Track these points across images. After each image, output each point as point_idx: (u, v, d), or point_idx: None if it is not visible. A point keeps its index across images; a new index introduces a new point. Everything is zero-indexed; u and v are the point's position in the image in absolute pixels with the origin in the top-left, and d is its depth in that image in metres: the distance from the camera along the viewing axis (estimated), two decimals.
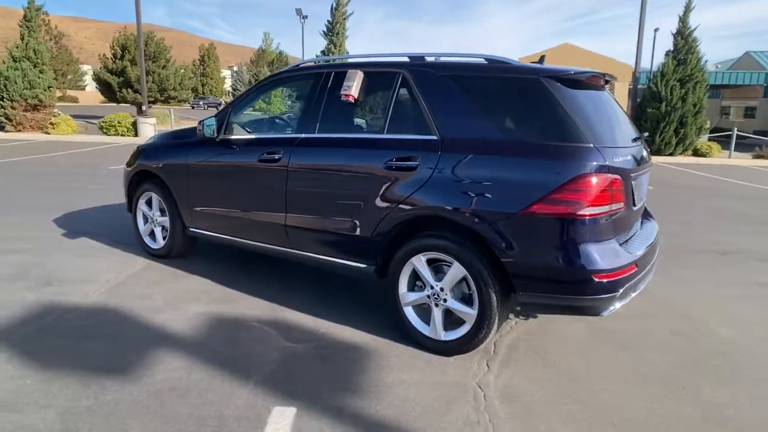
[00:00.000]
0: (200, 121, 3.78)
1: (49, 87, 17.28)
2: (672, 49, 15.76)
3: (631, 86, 17.56)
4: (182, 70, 29.72)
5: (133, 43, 26.16)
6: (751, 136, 18.55)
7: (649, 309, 3.62)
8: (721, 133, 17.55)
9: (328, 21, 17.04)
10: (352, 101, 3.15)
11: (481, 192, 2.62)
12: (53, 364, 2.64)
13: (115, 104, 29.39)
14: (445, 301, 2.81)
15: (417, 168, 2.80)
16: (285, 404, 2.37)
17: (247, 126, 3.94)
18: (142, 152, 4.50)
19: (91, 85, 72.75)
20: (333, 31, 16.89)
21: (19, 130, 16.72)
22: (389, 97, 3.05)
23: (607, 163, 2.48)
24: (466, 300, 2.79)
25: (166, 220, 4.27)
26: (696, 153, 15.92)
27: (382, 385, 2.57)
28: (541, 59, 3.13)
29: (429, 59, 3.06)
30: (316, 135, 3.29)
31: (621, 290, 2.51)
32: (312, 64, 3.61)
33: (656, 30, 32.56)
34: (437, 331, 2.85)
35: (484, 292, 2.64)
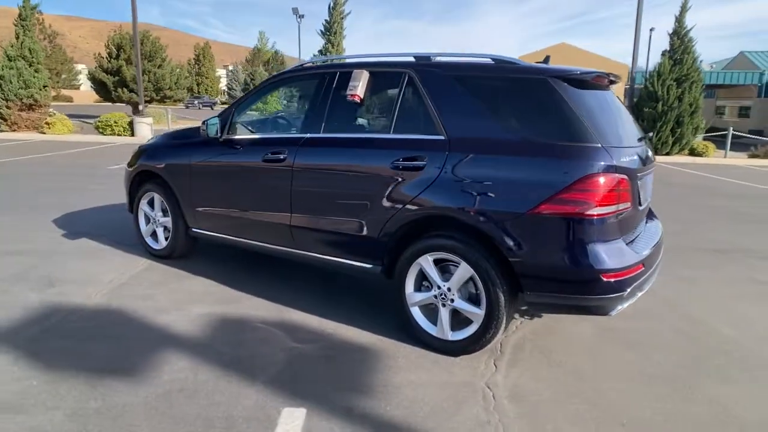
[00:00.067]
0: (204, 121, 3.76)
1: (44, 86, 17.14)
2: (668, 48, 15.83)
3: (627, 86, 17.62)
4: (178, 70, 29.57)
5: (129, 42, 26.05)
6: (745, 135, 18.66)
7: (652, 308, 3.63)
8: (716, 133, 17.64)
9: (325, 20, 17.00)
10: (358, 101, 3.14)
11: (488, 192, 2.62)
12: (59, 366, 2.62)
13: (110, 104, 29.18)
14: (452, 301, 2.81)
15: (424, 168, 2.80)
16: (294, 405, 2.36)
17: (250, 126, 3.92)
18: (143, 152, 4.48)
19: (85, 85, 72.25)
20: (331, 31, 16.85)
21: (14, 130, 16.59)
22: (395, 97, 3.04)
23: (614, 162, 2.49)
24: (473, 300, 2.80)
25: (168, 221, 4.25)
26: (692, 152, 16.00)
27: (391, 385, 2.57)
28: (546, 59, 3.13)
29: (435, 59, 3.06)
30: (321, 135, 3.28)
31: (628, 290, 2.52)
32: (317, 63, 3.59)
33: (652, 30, 32.71)
34: (444, 331, 2.85)
35: (492, 292, 2.64)
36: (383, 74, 3.19)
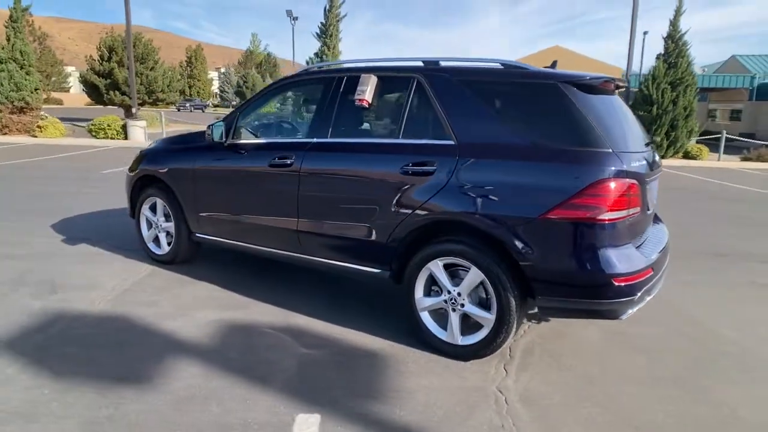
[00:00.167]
0: (209, 126, 3.74)
1: (36, 89, 17.00)
2: (663, 52, 15.98)
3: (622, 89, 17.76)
4: (170, 72, 29.42)
5: (121, 45, 25.89)
6: (738, 138, 18.89)
7: (658, 312, 3.66)
8: (708, 136, 17.84)
9: (321, 23, 16.99)
10: (366, 106, 3.14)
11: (500, 197, 2.63)
12: (67, 374, 2.60)
13: (101, 107, 29.01)
14: (462, 306, 2.81)
15: (434, 173, 2.81)
16: (308, 411, 2.36)
17: (254, 130, 3.91)
18: (145, 157, 4.45)
19: (75, 87, 71.70)
20: (326, 33, 16.85)
21: (5, 133, 16.42)
22: (404, 102, 3.05)
23: (625, 167, 2.51)
24: (483, 304, 2.80)
25: (171, 226, 4.22)
26: (686, 156, 16.18)
27: (403, 390, 2.57)
28: (553, 64, 3.16)
29: (443, 64, 3.07)
30: (329, 140, 3.28)
31: (639, 294, 2.54)
32: (323, 68, 3.59)
33: (645, 33, 33.06)
34: (454, 335, 2.85)
35: (503, 297, 2.65)
36: (391, 79, 3.19)
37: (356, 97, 3.14)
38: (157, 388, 2.50)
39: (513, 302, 2.65)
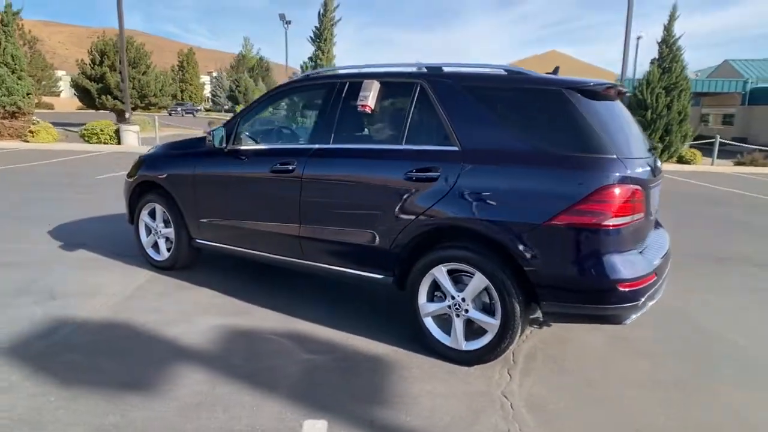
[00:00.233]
0: (210, 131, 3.75)
1: (28, 94, 16.85)
2: (657, 57, 16.13)
3: None
4: (162, 76, 29.33)
5: (112, 49, 25.79)
6: (731, 142, 19.10)
7: (659, 316, 3.69)
8: (702, 141, 18.03)
9: (315, 27, 17.02)
10: (369, 112, 3.16)
11: (504, 203, 2.66)
12: (72, 381, 2.58)
13: (93, 111, 28.83)
14: (466, 311, 2.83)
15: (438, 179, 2.83)
16: (315, 417, 2.36)
17: (255, 136, 3.91)
18: (144, 163, 4.44)
19: (66, 92, 71.18)
20: (321, 38, 16.88)
21: None
22: (407, 108, 3.07)
23: (629, 173, 2.55)
24: (487, 310, 2.82)
25: (170, 232, 4.21)
26: (680, 160, 16.33)
27: (408, 395, 2.58)
28: (556, 70, 3.19)
29: (447, 69, 3.09)
30: (331, 145, 3.29)
31: (643, 299, 2.57)
32: (325, 73, 3.61)
33: (639, 38, 33.45)
34: (458, 341, 2.87)
35: (508, 302, 2.67)
36: (394, 85, 3.21)
37: (359, 102, 3.16)
38: (163, 394, 2.50)
39: (517, 308, 2.68)
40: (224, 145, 3.72)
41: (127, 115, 16.76)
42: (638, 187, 2.58)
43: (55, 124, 18.91)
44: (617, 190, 2.49)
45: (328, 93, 3.41)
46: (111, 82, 25.47)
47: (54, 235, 5.36)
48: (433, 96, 2.98)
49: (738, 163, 16.90)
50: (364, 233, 3.10)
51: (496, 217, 2.67)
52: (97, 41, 26.49)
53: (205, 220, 3.92)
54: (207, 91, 74.94)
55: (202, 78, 72.81)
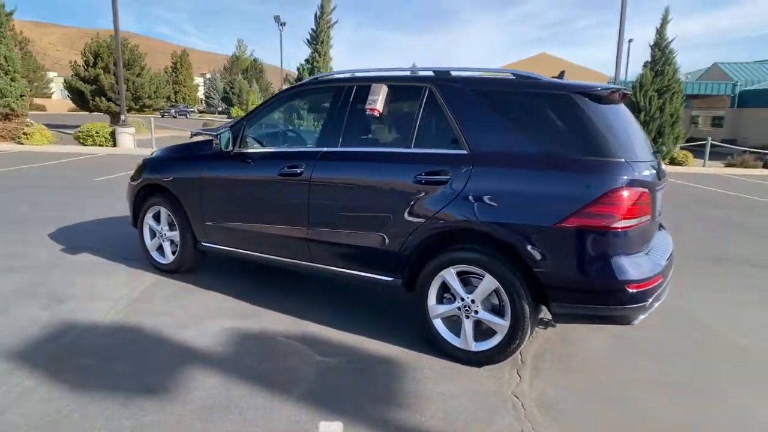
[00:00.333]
0: (217, 134, 3.76)
1: (21, 95, 16.73)
2: (650, 60, 16.32)
3: None
4: (157, 78, 29.22)
5: (106, 50, 25.68)
6: (721, 144, 19.33)
7: (661, 316, 3.74)
8: (693, 143, 18.23)
9: (312, 29, 17.02)
10: (377, 115, 3.19)
11: (514, 206, 2.69)
12: (85, 385, 2.58)
13: (86, 113, 28.67)
14: (476, 312, 2.86)
15: (447, 182, 2.86)
16: (330, 419, 2.38)
17: (260, 139, 3.93)
18: (147, 166, 4.43)
19: (57, 93, 70.73)
20: (317, 40, 16.89)
21: None
22: (415, 112, 3.10)
23: (636, 176, 2.59)
24: (496, 311, 2.86)
25: (175, 235, 4.21)
26: (672, 162, 16.51)
27: (421, 396, 2.60)
28: (561, 74, 3.24)
29: (455, 73, 3.13)
30: (339, 149, 3.31)
31: (650, 300, 2.62)
32: (332, 77, 3.63)
33: (630, 41, 33.78)
34: (468, 342, 2.90)
35: (518, 304, 2.71)
36: (403, 88, 3.25)
37: (367, 106, 3.18)
38: (178, 397, 2.51)
39: (527, 309, 2.71)
40: (231, 148, 3.73)
41: (122, 117, 16.68)
42: (645, 190, 2.62)
43: (48, 126, 18.78)
44: (626, 193, 2.53)
45: (336, 96, 3.43)
46: (105, 83, 25.34)
47: (56, 238, 5.34)
48: (442, 100, 3.01)
49: (729, 165, 17.10)
50: (373, 236, 3.13)
51: (506, 220, 2.70)
52: (90, 43, 26.36)
53: (211, 223, 3.92)
54: (200, 92, 74.64)
55: (195, 80, 72.54)
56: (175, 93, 62.08)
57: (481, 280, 2.83)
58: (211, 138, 3.92)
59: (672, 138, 16.01)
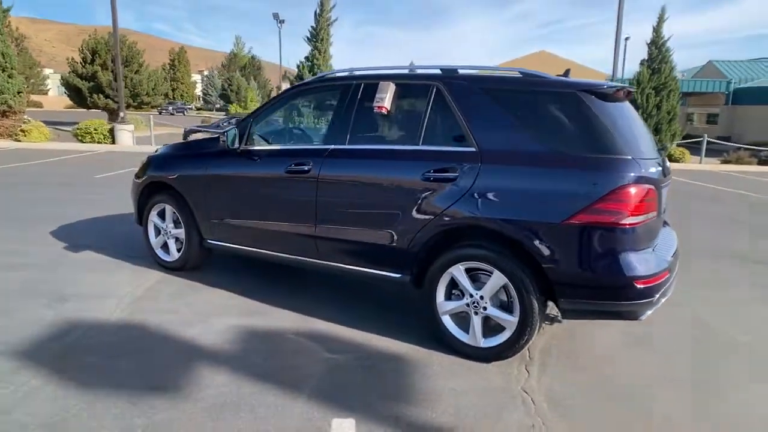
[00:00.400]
0: (223, 131, 3.75)
1: (18, 92, 16.67)
2: (647, 58, 16.39)
3: None
4: (155, 75, 29.10)
5: (104, 47, 25.56)
6: (717, 141, 19.42)
7: (664, 312, 3.75)
8: (689, 140, 18.31)
9: (311, 27, 16.96)
10: (385, 113, 3.19)
11: (522, 203, 2.70)
12: (93, 384, 2.58)
13: (83, 110, 28.56)
14: (485, 309, 2.87)
15: (456, 179, 2.86)
16: (342, 416, 2.38)
17: (266, 136, 3.92)
18: (152, 163, 4.42)
19: (54, 90, 70.39)
20: (317, 37, 16.84)
21: None
22: (423, 109, 3.10)
23: (643, 173, 2.60)
24: (505, 307, 2.87)
25: (180, 232, 4.20)
26: (669, 159, 16.56)
27: (432, 392, 2.61)
28: (566, 73, 3.24)
29: (462, 71, 3.13)
30: (347, 146, 3.31)
31: (657, 295, 2.63)
32: (339, 75, 3.62)
33: (627, 39, 33.82)
34: (477, 338, 2.91)
35: (527, 300, 2.72)
36: (410, 86, 3.25)
37: (375, 104, 3.18)
38: (188, 395, 2.50)
39: (536, 305, 2.72)
40: (237, 145, 3.73)
41: (121, 114, 16.61)
42: (652, 187, 2.64)
43: (45, 122, 18.67)
44: (633, 190, 2.54)
45: (343, 94, 3.43)
46: (103, 80, 25.22)
47: (58, 235, 5.33)
48: (450, 97, 3.01)
49: (725, 162, 17.20)
50: (381, 233, 3.13)
51: (515, 217, 2.71)
52: (88, 39, 26.22)
53: (217, 221, 3.92)
54: (198, 89, 74.42)
55: (193, 77, 72.33)
56: (173, 90, 61.91)
57: (490, 276, 2.84)
58: (217, 135, 3.90)
59: (669, 135, 16.08)
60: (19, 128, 16.32)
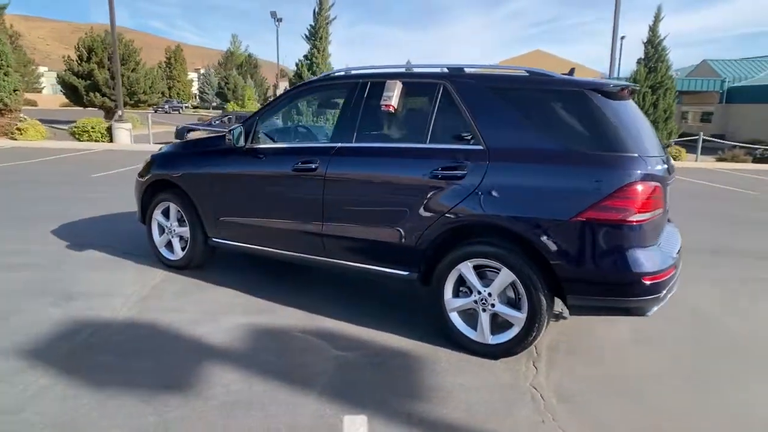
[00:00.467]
0: (230, 130, 3.75)
1: (14, 90, 16.58)
2: (643, 57, 16.47)
3: None
4: (152, 73, 28.98)
5: (101, 45, 25.45)
6: (712, 139, 19.54)
7: (668, 309, 3.78)
8: (683, 138, 18.41)
9: (310, 25, 16.92)
10: (392, 111, 3.20)
11: (530, 200, 2.72)
12: (103, 382, 2.58)
13: (79, 108, 28.40)
14: (493, 306, 2.89)
15: (464, 177, 2.88)
16: (354, 413, 2.40)
17: (272, 134, 3.92)
18: (156, 162, 4.41)
19: (48, 88, 69.95)
20: (316, 36, 16.80)
21: None
22: (431, 108, 3.11)
23: (650, 170, 2.62)
24: (513, 304, 2.89)
25: (185, 231, 4.19)
26: None
27: (442, 389, 2.63)
28: (571, 72, 3.25)
29: (469, 70, 3.14)
30: (354, 144, 3.32)
31: (664, 291, 2.66)
32: (345, 73, 3.63)
33: (623, 38, 33.95)
34: (485, 335, 2.93)
35: (535, 296, 2.74)
36: (417, 85, 3.26)
37: (382, 102, 3.19)
38: (199, 393, 2.51)
39: (544, 301, 2.74)
40: (243, 143, 3.73)
41: (119, 112, 16.55)
42: (658, 184, 2.66)
43: (41, 121, 18.58)
44: (640, 187, 2.57)
45: (350, 93, 3.43)
46: (99, 78, 25.11)
47: (59, 235, 5.31)
48: (457, 96, 3.02)
49: (720, 159, 17.33)
50: (389, 231, 3.14)
51: (523, 214, 2.73)
52: (84, 37, 26.08)
53: (222, 219, 3.92)
54: (195, 88, 74.13)
55: (189, 75, 72.04)
56: (169, 88, 61.58)
57: (498, 273, 2.85)
58: (222, 134, 3.90)
59: (665, 133, 16.17)
60: (15, 127, 16.22)
